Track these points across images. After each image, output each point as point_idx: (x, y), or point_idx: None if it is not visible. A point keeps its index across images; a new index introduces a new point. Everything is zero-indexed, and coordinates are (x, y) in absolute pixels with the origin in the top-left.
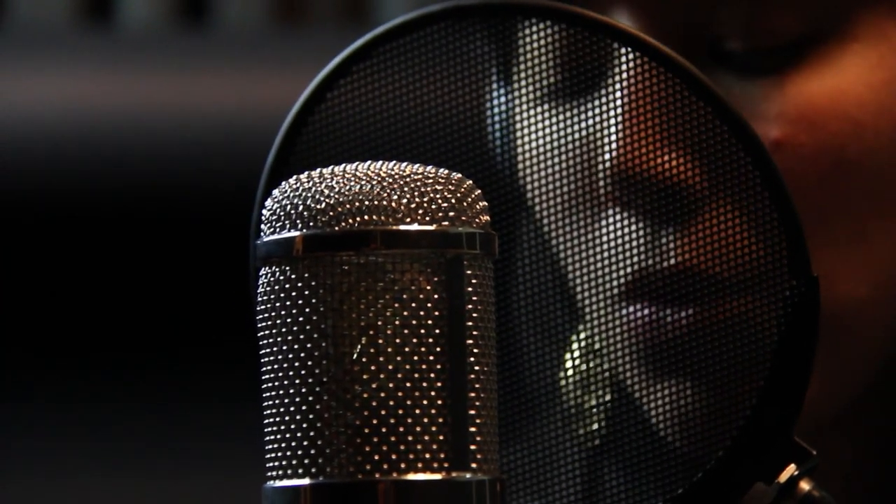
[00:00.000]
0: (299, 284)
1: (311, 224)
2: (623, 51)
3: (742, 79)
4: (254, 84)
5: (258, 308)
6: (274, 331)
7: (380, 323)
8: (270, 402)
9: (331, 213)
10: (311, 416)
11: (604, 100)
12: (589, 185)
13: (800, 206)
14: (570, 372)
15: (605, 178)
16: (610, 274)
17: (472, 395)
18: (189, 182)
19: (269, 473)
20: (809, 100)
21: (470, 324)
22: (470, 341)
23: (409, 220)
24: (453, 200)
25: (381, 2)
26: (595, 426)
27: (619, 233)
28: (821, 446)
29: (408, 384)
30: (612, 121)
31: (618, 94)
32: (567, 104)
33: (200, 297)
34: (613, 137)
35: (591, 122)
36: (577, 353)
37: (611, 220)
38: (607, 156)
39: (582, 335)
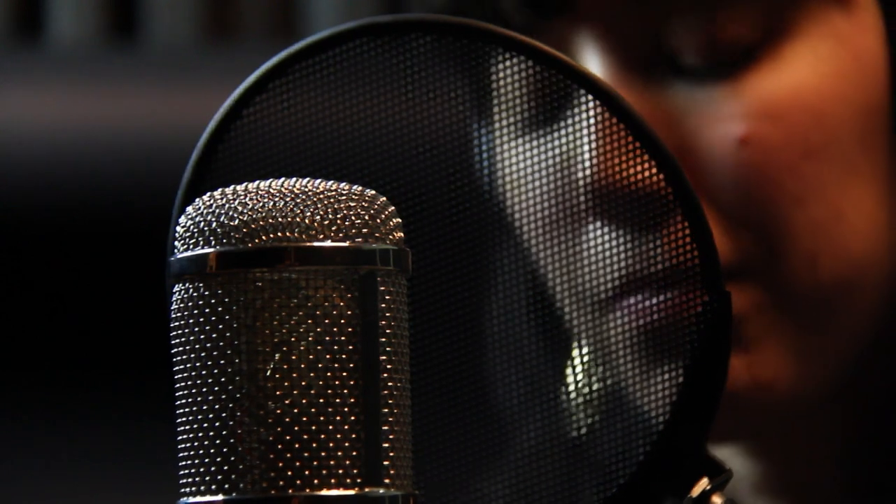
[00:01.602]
0: (212, 301)
1: (225, 241)
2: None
3: (701, 86)
4: (182, 99)
5: (172, 325)
6: (187, 347)
7: (293, 339)
8: (184, 419)
9: (244, 230)
10: (224, 433)
11: (573, 121)
12: (568, 204)
13: (774, 195)
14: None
15: (584, 192)
16: (597, 283)
17: (386, 410)
18: (118, 198)
19: (183, 490)
20: (769, 96)
21: (383, 340)
22: (383, 357)
23: (322, 236)
24: (367, 217)
25: (309, 17)
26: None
27: (602, 243)
28: (810, 427)
29: (321, 400)
30: (585, 140)
31: (585, 116)
32: (538, 130)
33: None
34: (588, 155)
35: (564, 141)
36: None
37: (592, 233)
38: (583, 172)
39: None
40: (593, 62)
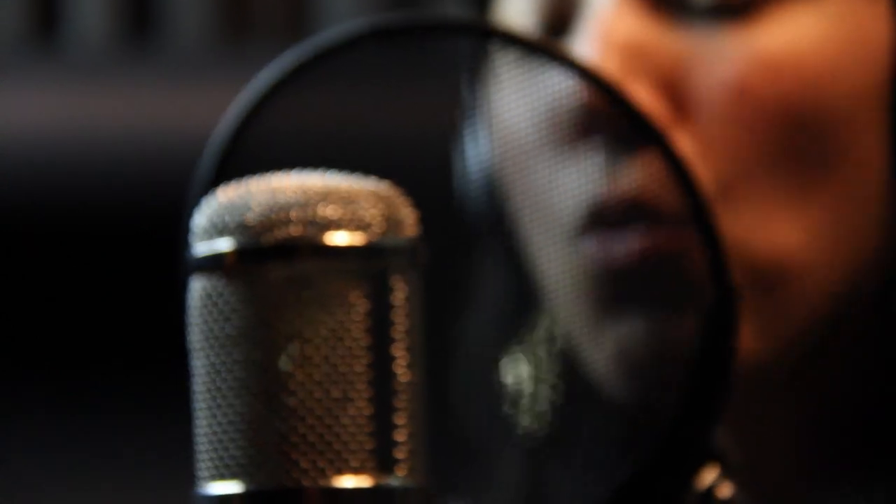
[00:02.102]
0: (228, 295)
1: (241, 236)
2: None
3: (706, 25)
4: (197, 99)
5: (189, 319)
6: (204, 341)
7: (307, 333)
8: (201, 411)
9: (259, 225)
10: (240, 424)
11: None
12: (552, 128)
13: (752, 155)
14: (512, 373)
15: (572, 112)
16: (569, 211)
17: (399, 403)
18: (134, 196)
19: (200, 480)
20: (771, 48)
21: (396, 334)
22: (396, 351)
23: (336, 231)
24: (381, 212)
25: (323, 18)
26: (532, 426)
27: (579, 168)
28: (766, 408)
29: (335, 392)
30: (580, 65)
31: (585, 42)
32: (536, 56)
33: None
34: (580, 76)
35: (558, 74)
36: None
37: (572, 159)
38: (575, 91)
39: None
40: None
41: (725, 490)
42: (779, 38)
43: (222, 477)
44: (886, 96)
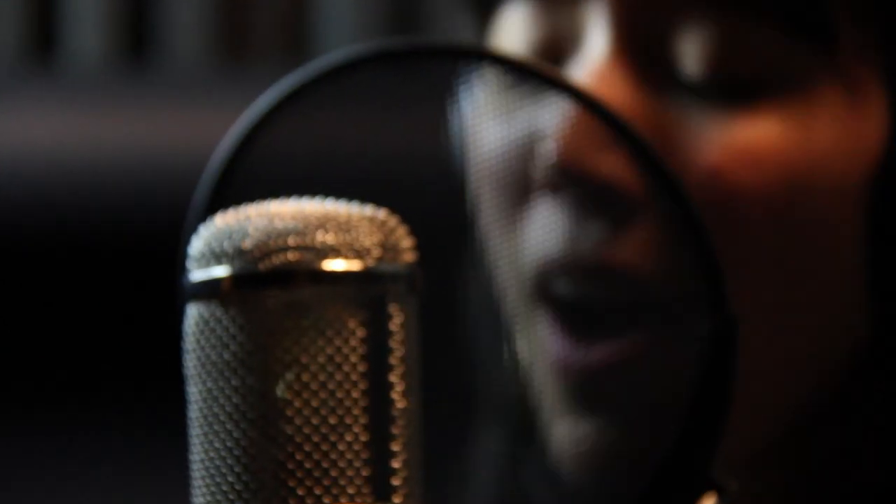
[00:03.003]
0: (225, 322)
1: (237, 262)
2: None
3: (694, 101)
4: (195, 120)
5: (185, 345)
6: (200, 367)
7: (304, 359)
8: (197, 438)
9: (256, 252)
10: (236, 452)
11: (550, 103)
12: (523, 172)
13: (722, 244)
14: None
15: (543, 164)
16: (528, 255)
17: (396, 430)
18: (130, 218)
19: None
20: (754, 139)
21: (394, 361)
22: (393, 378)
23: (334, 258)
24: (378, 239)
25: (322, 38)
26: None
27: (544, 220)
28: (742, 478)
29: (332, 420)
30: (561, 115)
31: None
32: (515, 94)
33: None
34: (559, 127)
35: (540, 112)
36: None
37: (540, 209)
38: (549, 142)
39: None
40: (596, 39)
41: None
42: (766, 131)
43: None
44: (866, 201)
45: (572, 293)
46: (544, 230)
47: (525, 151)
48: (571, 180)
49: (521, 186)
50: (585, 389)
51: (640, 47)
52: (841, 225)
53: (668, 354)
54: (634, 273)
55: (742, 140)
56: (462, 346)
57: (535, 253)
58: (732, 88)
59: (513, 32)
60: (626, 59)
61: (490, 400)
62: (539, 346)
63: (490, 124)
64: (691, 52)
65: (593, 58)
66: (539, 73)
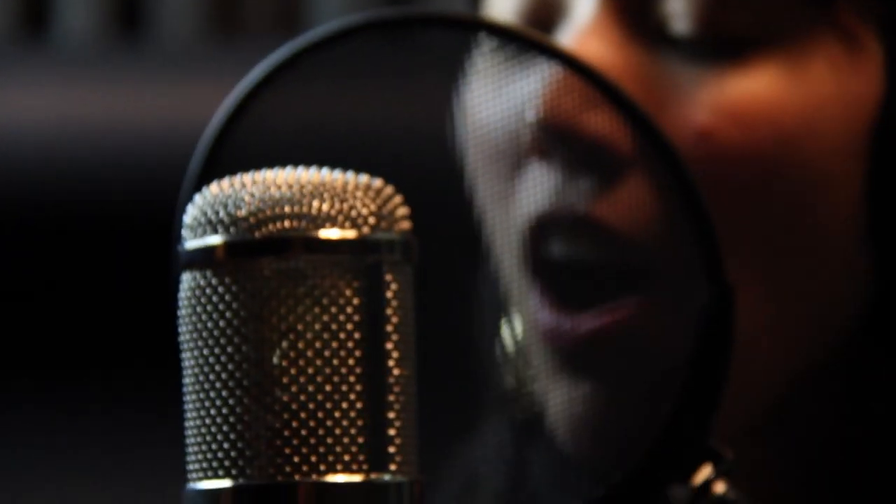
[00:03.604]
0: (220, 290)
1: (233, 230)
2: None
3: (682, 61)
4: (188, 94)
5: (180, 313)
6: (195, 335)
7: (300, 327)
8: (192, 406)
9: (252, 220)
10: (231, 419)
11: (538, 70)
12: (515, 138)
13: (721, 207)
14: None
15: (532, 127)
16: (519, 217)
17: (391, 398)
18: (124, 192)
19: (190, 476)
20: (744, 97)
21: (389, 328)
22: (389, 345)
23: (329, 226)
24: (374, 207)
25: (315, 12)
26: (520, 411)
27: (532, 179)
28: (734, 447)
29: (327, 387)
30: (545, 80)
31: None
32: (516, 59)
33: (141, 308)
34: (545, 89)
35: (532, 79)
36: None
37: (530, 172)
38: (536, 105)
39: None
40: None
41: (720, 487)
42: (757, 88)
43: (213, 472)
44: (865, 157)
45: (561, 253)
46: (533, 192)
47: (517, 120)
48: (558, 139)
49: (514, 156)
50: (576, 357)
51: (629, 5)
52: (837, 184)
53: (662, 322)
54: (622, 231)
55: (733, 98)
56: (460, 325)
57: (525, 216)
58: (723, 45)
59: (503, 1)
60: (614, 17)
61: (489, 381)
62: (531, 317)
63: (484, 96)
64: (680, 9)
65: (582, 18)
66: (527, 38)
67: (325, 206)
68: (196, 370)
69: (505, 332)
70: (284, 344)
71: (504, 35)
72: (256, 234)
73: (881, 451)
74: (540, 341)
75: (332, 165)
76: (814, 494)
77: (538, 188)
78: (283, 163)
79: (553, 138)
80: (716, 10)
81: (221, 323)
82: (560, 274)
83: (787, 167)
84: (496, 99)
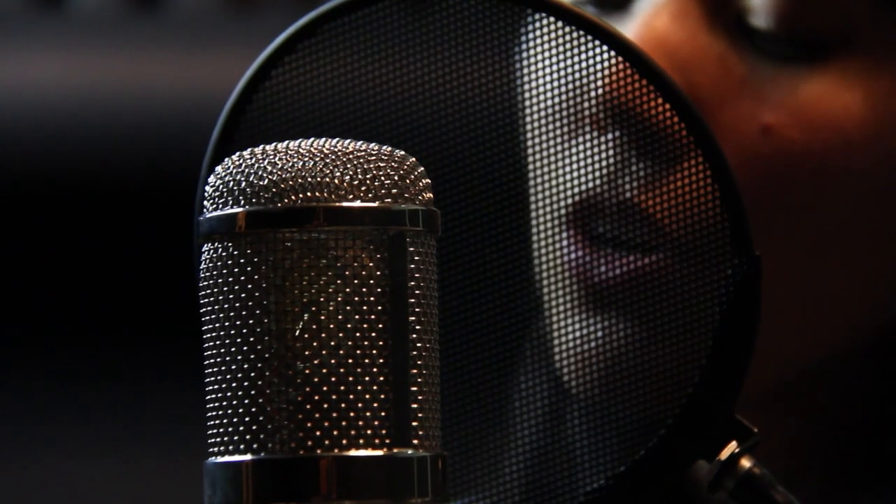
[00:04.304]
0: (242, 261)
1: (254, 200)
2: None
3: (757, 55)
4: (205, 64)
5: (201, 285)
6: (216, 307)
7: (322, 299)
8: (212, 379)
9: (273, 190)
10: (252, 392)
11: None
12: (574, 109)
13: (763, 195)
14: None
15: (595, 101)
16: (564, 191)
17: (414, 371)
18: (144, 161)
19: (211, 449)
20: (811, 100)
21: (412, 300)
22: (412, 318)
23: (351, 196)
24: (396, 177)
25: None
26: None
27: (585, 156)
28: (760, 419)
29: (350, 360)
30: (610, 61)
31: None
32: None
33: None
34: (617, 66)
35: (592, 53)
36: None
37: (586, 141)
38: (601, 82)
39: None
40: None
41: (746, 461)
42: (827, 93)
43: (234, 446)
44: None
45: (605, 233)
46: (585, 168)
47: (579, 87)
48: (621, 120)
49: (569, 120)
50: (605, 293)
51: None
52: (885, 188)
53: (691, 285)
54: (666, 224)
55: (801, 100)
56: (486, 286)
57: (576, 187)
58: (800, 45)
59: None
60: (693, 7)
61: (525, 339)
62: (559, 259)
63: (548, 59)
64: (763, 4)
65: None
66: (578, 18)
67: (347, 177)
68: (217, 343)
69: (535, 278)
70: (306, 316)
71: (542, 7)
72: (278, 205)
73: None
74: (572, 277)
75: (355, 135)
76: (827, 470)
77: (590, 164)
78: (303, 132)
79: (616, 117)
80: (798, 9)
81: (243, 295)
82: (595, 221)
83: (841, 170)
84: (559, 64)
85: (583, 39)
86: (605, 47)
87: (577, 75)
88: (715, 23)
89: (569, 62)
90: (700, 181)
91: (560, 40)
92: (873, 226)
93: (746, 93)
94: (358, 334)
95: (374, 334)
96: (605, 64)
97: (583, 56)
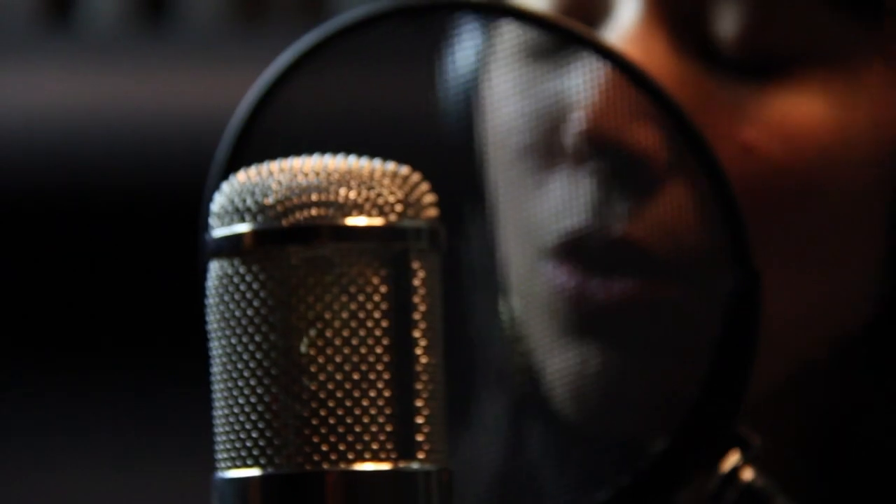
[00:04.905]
0: (248, 278)
1: (260, 218)
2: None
3: (727, 79)
4: (213, 80)
5: (208, 302)
6: (223, 324)
7: (327, 316)
8: (220, 395)
9: (279, 208)
10: (259, 408)
11: (580, 64)
12: (549, 141)
13: (750, 212)
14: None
15: (572, 134)
16: (547, 228)
17: (420, 386)
18: (150, 178)
19: (219, 464)
20: (787, 115)
21: (417, 316)
22: (417, 333)
23: (356, 214)
24: (401, 195)
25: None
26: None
27: (567, 189)
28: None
29: (355, 376)
30: (587, 84)
31: (601, 65)
32: (540, 62)
33: (166, 293)
34: (585, 98)
35: (567, 80)
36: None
37: (562, 177)
38: (579, 114)
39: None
40: (629, 4)
41: (748, 473)
42: (802, 107)
43: (242, 461)
44: (892, 176)
45: (592, 260)
46: (569, 199)
47: (551, 118)
48: (600, 150)
49: (544, 153)
50: (601, 320)
51: (676, 16)
52: (867, 192)
53: (689, 303)
54: (659, 249)
55: (778, 116)
56: (463, 310)
57: (558, 221)
58: (769, 64)
59: None
60: (662, 26)
61: (491, 366)
62: (543, 290)
63: (514, 89)
64: (728, 24)
65: (628, 23)
66: (569, 31)
67: (352, 194)
68: (224, 359)
69: (503, 308)
70: (312, 332)
71: (543, 26)
72: (284, 223)
73: (881, 449)
74: (557, 302)
75: (359, 152)
76: (818, 472)
77: (574, 201)
78: (310, 150)
79: (595, 147)
80: (762, 31)
81: (249, 311)
82: (585, 252)
83: (824, 181)
84: (526, 94)
85: (560, 66)
86: (601, 61)
87: (548, 104)
88: (681, 48)
89: (540, 91)
90: (699, 199)
91: (528, 70)
92: (852, 231)
93: (721, 113)
94: (363, 350)
95: (379, 350)
96: (586, 92)
97: (557, 87)
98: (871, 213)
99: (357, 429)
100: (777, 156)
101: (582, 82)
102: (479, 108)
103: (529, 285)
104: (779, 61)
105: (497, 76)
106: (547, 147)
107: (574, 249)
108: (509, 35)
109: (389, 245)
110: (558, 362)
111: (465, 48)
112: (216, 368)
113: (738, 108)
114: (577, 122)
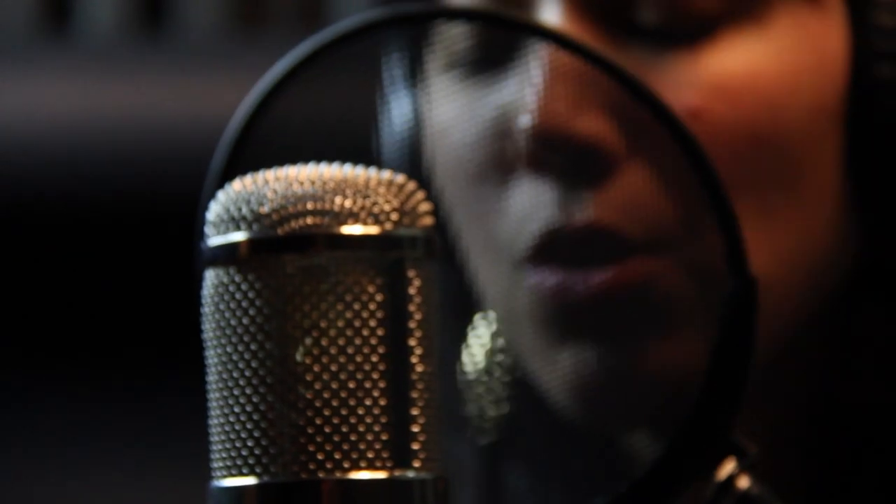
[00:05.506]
0: (244, 287)
1: (256, 227)
2: (540, 43)
3: (657, 49)
4: (211, 88)
5: (203, 310)
6: (219, 332)
7: (323, 324)
8: (216, 403)
9: (275, 216)
10: (255, 417)
11: (520, 70)
12: (501, 153)
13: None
14: (475, 363)
15: (521, 139)
16: (517, 237)
17: (415, 394)
18: (147, 187)
19: (215, 473)
20: (724, 73)
21: (412, 325)
22: (412, 342)
23: (352, 222)
24: (396, 203)
25: (338, 6)
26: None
27: (529, 195)
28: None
29: (351, 384)
30: (529, 89)
31: (536, 66)
32: (480, 76)
33: (166, 300)
34: (531, 100)
35: (505, 91)
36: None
37: (521, 185)
38: (524, 118)
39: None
40: (550, 6)
41: (743, 481)
42: (734, 62)
43: (238, 470)
44: (842, 111)
45: (568, 256)
46: (534, 202)
47: (499, 131)
48: (553, 147)
49: (499, 166)
50: (582, 314)
51: (597, 8)
52: (820, 142)
53: (673, 275)
54: (625, 227)
55: (713, 76)
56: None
57: (527, 226)
58: (693, 26)
59: None
60: (583, 14)
61: (457, 403)
62: (525, 301)
63: (454, 113)
64: (646, 3)
65: (549, 17)
66: (555, 36)
67: (347, 203)
68: (220, 367)
69: (463, 357)
70: (308, 341)
71: (525, 30)
72: (279, 231)
73: (867, 409)
74: (541, 304)
75: (355, 161)
76: (798, 450)
77: (538, 203)
78: (305, 158)
79: (547, 145)
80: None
81: (245, 320)
82: (560, 249)
83: (774, 131)
84: (469, 117)
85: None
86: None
87: (491, 113)
88: (607, 32)
89: (486, 105)
90: (666, 167)
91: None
92: (811, 177)
93: (661, 85)
94: (359, 358)
95: (374, 358)
96: (527, 94)
97: (499, 99)
98: (825, 156)
99: (352, 437)
100: (724, 115)
101: (521, 87)
102: (422, 140)
103: (511, 300)
104: (702, 23)
105: (437, 102)
106: (500, 160)
107: (548, 249)
108: (441, 52)
109: (385, 254)
110: (552, 370)
111: (396, 74)
112: (212, 377)
113: (672, 77)
114: (524, 124)
